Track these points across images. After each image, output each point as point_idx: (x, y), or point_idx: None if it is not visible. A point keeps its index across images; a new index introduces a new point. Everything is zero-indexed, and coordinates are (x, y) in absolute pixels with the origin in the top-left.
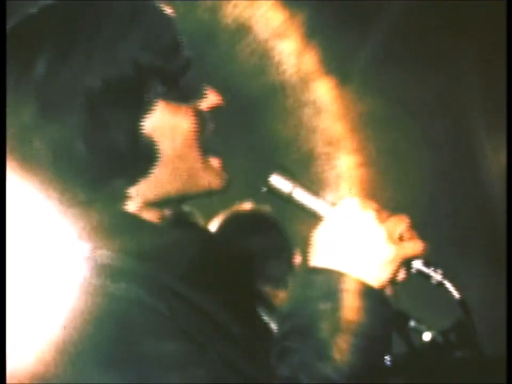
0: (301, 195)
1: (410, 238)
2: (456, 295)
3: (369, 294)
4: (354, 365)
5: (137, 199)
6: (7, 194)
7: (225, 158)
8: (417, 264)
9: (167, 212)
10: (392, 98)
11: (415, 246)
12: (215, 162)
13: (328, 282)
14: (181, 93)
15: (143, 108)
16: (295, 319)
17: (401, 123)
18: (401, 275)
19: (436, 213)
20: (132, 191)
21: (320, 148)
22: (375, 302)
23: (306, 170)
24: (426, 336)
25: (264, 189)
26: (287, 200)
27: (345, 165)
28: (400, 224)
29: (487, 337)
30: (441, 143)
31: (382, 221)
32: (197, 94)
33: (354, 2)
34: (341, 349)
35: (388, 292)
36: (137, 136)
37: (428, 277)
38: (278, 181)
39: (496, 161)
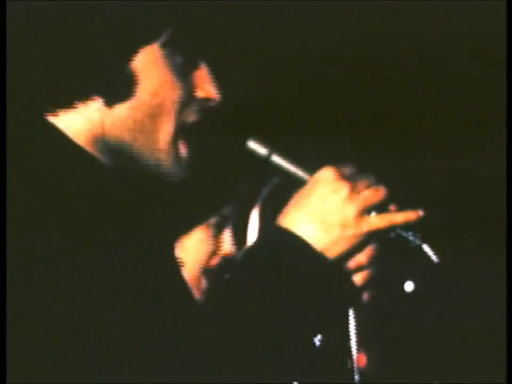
0: (279, 160)
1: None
2: (435, 258)
3: (320, 267)
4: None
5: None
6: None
7: None
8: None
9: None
10: None
11: (384, 219)
12: (182, 148)
13: (283, 244)
14: (180, 58)
15: (143, 40)
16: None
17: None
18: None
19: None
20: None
21: None
22: (324, 278)
23: None
24: (409, 287)
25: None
26: (266, 162)
27: None
28: (374, 197)
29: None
30: None
31: (356, 192)
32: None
33: None
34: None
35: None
36: (124, 63)
37: (406, 241)
38: (254, 146)
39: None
